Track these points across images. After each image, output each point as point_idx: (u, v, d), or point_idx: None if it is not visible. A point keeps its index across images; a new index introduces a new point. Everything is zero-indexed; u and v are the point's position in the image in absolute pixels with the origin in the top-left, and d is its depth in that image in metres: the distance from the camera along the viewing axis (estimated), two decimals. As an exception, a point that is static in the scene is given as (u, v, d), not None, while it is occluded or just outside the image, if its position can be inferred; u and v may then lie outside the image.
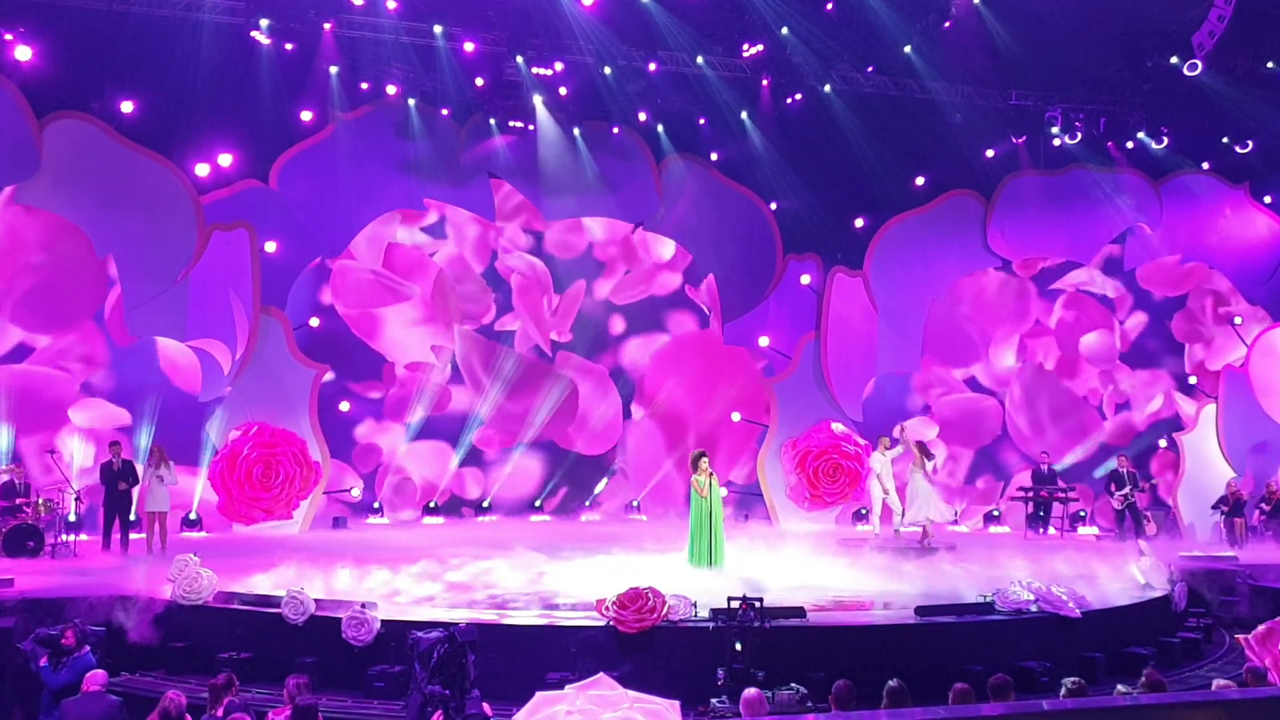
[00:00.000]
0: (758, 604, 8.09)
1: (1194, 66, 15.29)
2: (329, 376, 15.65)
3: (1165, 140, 17.15)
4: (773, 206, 17.61)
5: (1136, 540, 13.41)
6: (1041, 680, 8.54)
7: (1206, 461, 16.73)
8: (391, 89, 15.73)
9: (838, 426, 16.69)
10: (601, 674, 5.79)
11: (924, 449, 13.41)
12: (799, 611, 9.05)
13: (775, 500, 16.84)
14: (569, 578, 10.79)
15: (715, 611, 8.37)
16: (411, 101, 15.87)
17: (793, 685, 7.35)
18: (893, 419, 15.96)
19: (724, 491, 12.05)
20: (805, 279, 17.57)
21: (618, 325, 18.07)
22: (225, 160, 14.79)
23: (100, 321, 14.23)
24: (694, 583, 9.94)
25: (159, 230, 14.08)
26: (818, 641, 8.78)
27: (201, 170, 14.65)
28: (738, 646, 7.79)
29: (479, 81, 15.89)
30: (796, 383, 17.19)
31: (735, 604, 8.11)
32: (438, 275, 16.99)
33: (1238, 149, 17.26)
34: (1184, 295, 18.26)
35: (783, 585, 10.35)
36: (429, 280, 16.94)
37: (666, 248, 17.94)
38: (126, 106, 14.08)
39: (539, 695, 5.50)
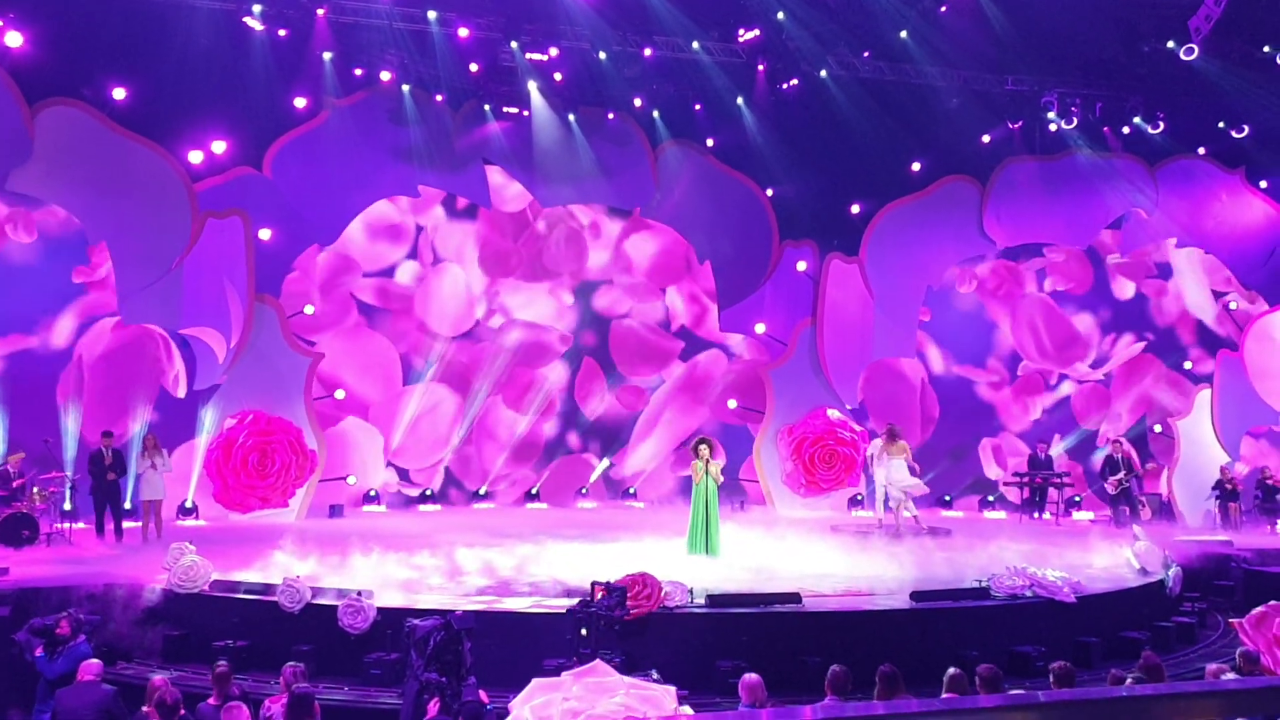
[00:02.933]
0: (619, 592, 8.03)
1: (1190, 51, 15.21)
2: None
3: (1161, 125, 17.07)
4: (769, 193, 17.53)
5: (1131, 524, 13.44)
6: (1037, 665, 8.56)
7: (1200, 446, 16.76)
8: (385, 75, 15.58)
9: (833, 413, 16.68)
10: (598, 660, 5.79)
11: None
12: (794, 597, 9.06)
13: (771, 486, 16.84)
14: (566, 564, 10.77)
15: (582, 596, 8.26)
16: (406, 88, 15.74)
17: (651, 672, 7.31)
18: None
19: (722, 479, 12.03)
20: (801, 265, 17.52)
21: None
22: (219, 147, 14.68)
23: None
24: (690, 570, 9.96)
25: (152, 218, 13.98)
26: (813, 627, 8.79)
27: (195, 157, 14.53)
28: (583, 632, 7.75)
29: (473, 67, 15.74)
30: (793, 369, 17.16)
31: (599, 589, 8.05)
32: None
33: (1233, 134, 17.21)
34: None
35: (788, 572, 10.38)
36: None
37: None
38: (119, 93, 13.94)
39: (536, 682, 5.49)
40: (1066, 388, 18.44)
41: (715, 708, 7.26)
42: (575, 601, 8.23)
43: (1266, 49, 15.49)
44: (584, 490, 17.62)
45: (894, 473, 13.52)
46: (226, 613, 9.07)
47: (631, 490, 17.73)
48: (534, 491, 17.45)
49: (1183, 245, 18.16)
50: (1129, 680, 6.15)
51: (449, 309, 16.94)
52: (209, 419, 14.37)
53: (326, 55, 15.07)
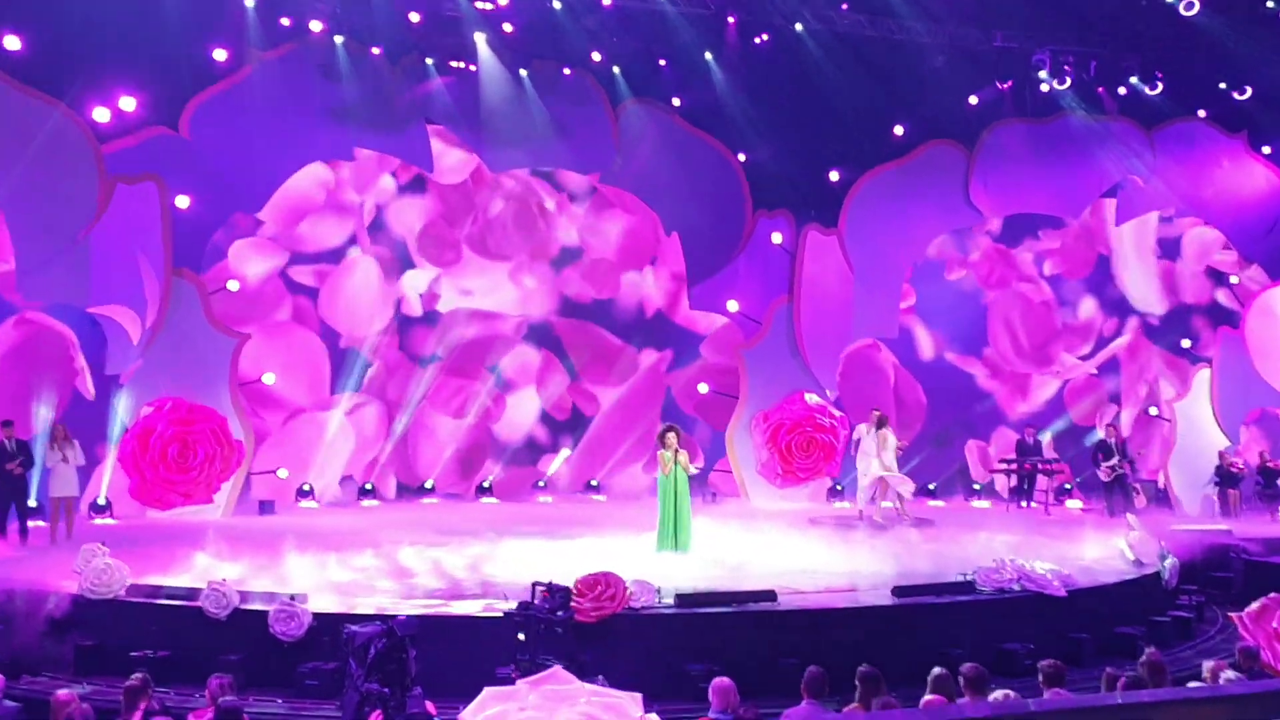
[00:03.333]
0: (561, 593, 8.08)
1: (1190, 5, 15.43)
2: None
3: (1160, 86, 17.34)
4: (741, 158, 17.52)
5: (1125, 513, 13.72)
6: (1025, 663, 8.71)
7: (1199, 429, 17.10)
8: (316, 25, 15.32)
9: (811, 397, 16.78)
10: (556, 667, 5.79)
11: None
12: (770, 595, 9.14)
13: (745, 477, 16.93)
14: (520, 562, 10.76)
15: (521, 600, 8.30)
16: (338, 39, 15.49)
17: (598, 677, 7.40)
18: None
19: (695, 470, 12.08)
20: (776, 238, 17.56)
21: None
22: (128, 104, 14.34)
23: None
24: (659, 567, 10.00)
25: (54, 183, 13.58)
26: (790, 626, 8.88)
27: (101, 115, 14.18)
28: (520, 637, 7.82)
29: (414, 17, 15.55)
30: (768, 350, 17.21)
31: (540, 590, 8.11)
32: None
33: (1236, 95, 17.51)
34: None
35: (763, 568, 10.45)
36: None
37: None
38: (12, 42, 13.54)
39: (488, 691, 5.48)
40: (1058, 380, 18.80)
41: (686, 715, 7.30)
42: (513, 605, 8.23)
43: (1271, 4, 15.74)
44: (542, 483, 17.60)
45: (886, 462, 13.85)
46: (145, 620, 8.95)
47: (594, 483, 17.75)
48: (486, 485, 17.38)
49: (1181, 215, 18.49)
50: (1124, 680, 6.28)
51: (360, 304, 16.80)
52: (123, 407, 14.12)
53: (249, 2, 14.77)
